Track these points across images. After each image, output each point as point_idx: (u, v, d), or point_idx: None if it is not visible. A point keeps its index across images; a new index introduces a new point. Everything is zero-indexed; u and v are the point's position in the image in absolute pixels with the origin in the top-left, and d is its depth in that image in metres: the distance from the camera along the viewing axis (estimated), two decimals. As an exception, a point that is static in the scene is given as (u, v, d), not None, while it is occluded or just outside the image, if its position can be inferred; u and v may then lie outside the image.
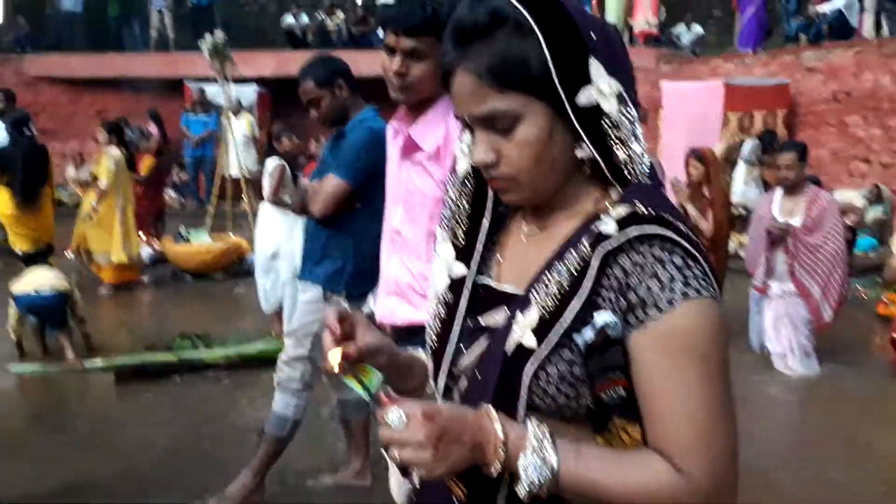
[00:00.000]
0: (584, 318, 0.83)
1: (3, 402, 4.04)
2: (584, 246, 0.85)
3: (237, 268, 7.31)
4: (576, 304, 0.83)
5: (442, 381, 0.98)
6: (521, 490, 0.81)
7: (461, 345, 0.96)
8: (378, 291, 2.10)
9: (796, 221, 4.49)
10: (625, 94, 0.87)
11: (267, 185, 5.00)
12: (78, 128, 13.27)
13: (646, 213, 0.83)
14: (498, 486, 0.86)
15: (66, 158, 11.25)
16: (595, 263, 0.83)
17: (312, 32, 13.66)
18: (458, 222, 1.00)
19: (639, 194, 0.87)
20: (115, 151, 6.65)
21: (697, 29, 12.66)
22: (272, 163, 5.14)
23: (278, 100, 12.38)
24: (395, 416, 0.80)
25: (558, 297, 0.84)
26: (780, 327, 4.63)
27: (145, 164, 8.42)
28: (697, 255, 0.84)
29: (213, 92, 11.46)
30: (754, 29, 10.88)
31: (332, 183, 2.59)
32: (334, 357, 0.90)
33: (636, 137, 0.88)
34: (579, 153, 0.89)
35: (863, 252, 7.54)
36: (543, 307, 0.85)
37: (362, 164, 2.54)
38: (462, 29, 0.87)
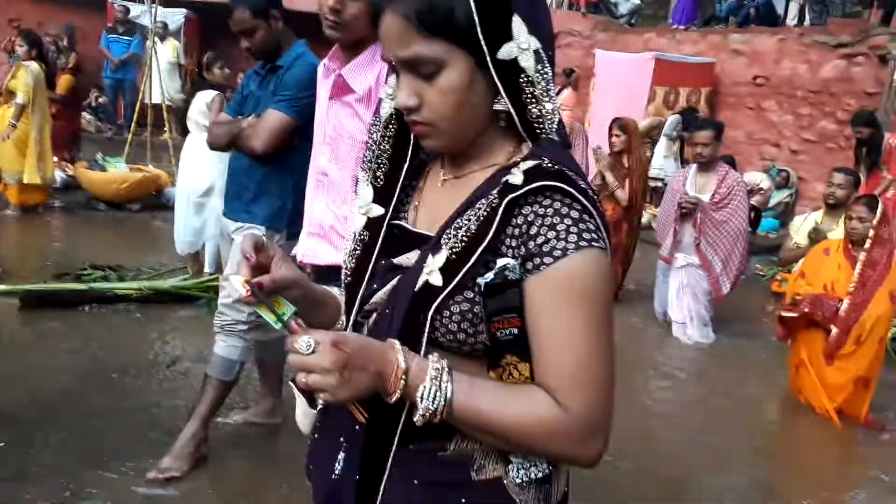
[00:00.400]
0: (487, 262, 0.90)
1: None
2: (493, 195, 0.92)
3: (154, 200, 7.09)
4: (481, 249, 0.91)
5: (353, 317, 1.05)
6: (418, 416, 0.89)
7: (374, 283, 1.02)
8: (302, 231, 2.12)
9: (706, 197, 4.74)
10: (542, 53, 0.93)
11: (205, 118, 4.72)
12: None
13: (550, 167, 0.91)
14: (399, 414, 0.94)
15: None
16: (500, 211, 0.90)
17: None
18: (379, 164, 1.05)
19: (546, 150, 0.94)
20: (34, 66, 6.28)
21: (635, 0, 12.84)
22: (210, 94, 4.88)
23: (207, 26, 11.85)
24: (304, 342, 0.85)
25: (466, 241, 0.91)
26: (682, 297, 4.92)
27: (63, 82, 7.97)
28: (593, 210, 0.92)
29: (138, 12, 10.90)
30: (688, 5, 11.14)
31: (276, 117, 2.50)
32: (237, 282, 0.93)
33: (549, 96, 0.95)
34: (497, 106, 0.95)
35: (765, 232, 8.02)
36: (452, 249, 0.92)
37: (306, 100, 2.44)
38: None
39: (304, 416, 1.14)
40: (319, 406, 1.06)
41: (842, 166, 5.32)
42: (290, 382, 0.92)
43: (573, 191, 0.91)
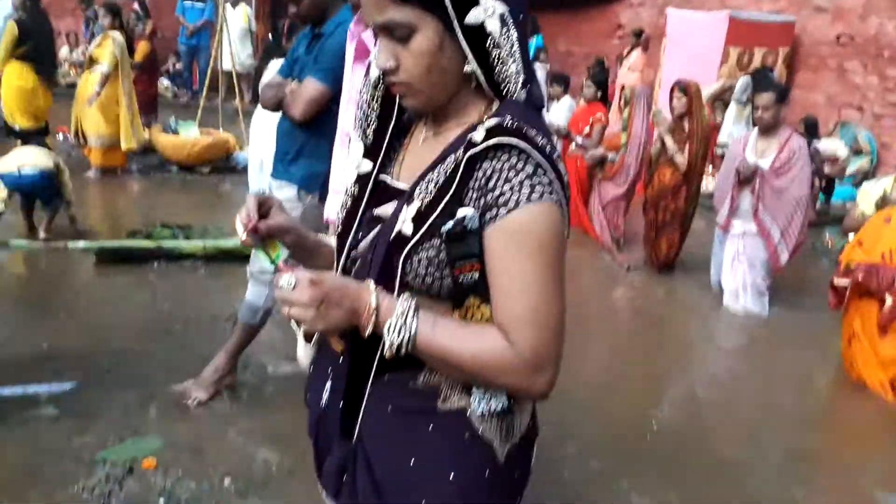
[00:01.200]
0: (451, 212, 0.99)
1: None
2: (459, 151, 1.00)
3: (223, 163, 7.40)
4: (445, 200, 0.99)
5: (342, 262, 1.15)
6: (386, 348, 1.00)
7: (360, 233, 1.13)
8: (329, 189, 2.21)
9: (766, 163, 4.60)
10: (508, 17, 0.99)
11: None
12: (70, 6, 12.94)
13: (510, 125, 0.97)
14: (375, 348, 1.04)
15: (60, 37, 11.09)
16: (461, 166, 0.99)
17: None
18: (368, 124, 1.15)
19: (509, 109, 1.01)
20: (118, 36, 6.60)
21: (714, -45, 12.25)
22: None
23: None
24: (286, 279, 0.97)
25: (434, 193, 1.00)
26: (737, 265, 4.81)
27: (140, 49, 8.34)
28: (548, 165, 0.99)
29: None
30: (769, -39, 10.56)
31: (313, 86, 2.62)
32: (238, 226, 1.08)
33: (514, 57, 1.01)
34: (467, 68, 1.02)
35: (840, 202, 7.66)
36: (422, 201, 1.01)
37: (342, 69, 2.54)
38: None
39: (303, 352, 1.26)
40: (314, 341, 1.17)
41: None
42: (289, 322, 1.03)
43: (529, 147, 0.97)
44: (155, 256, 4.57)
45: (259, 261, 2.92)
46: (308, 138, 2.76)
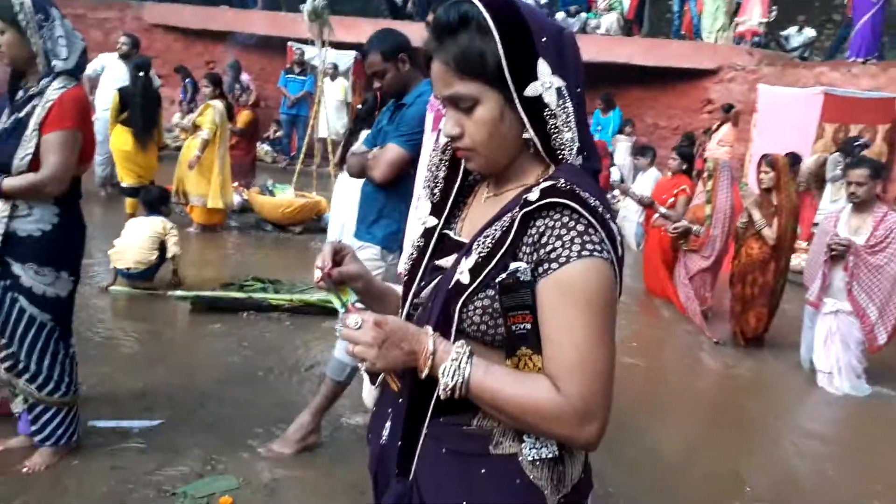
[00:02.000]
0: (505, 265, 1.06)
1: (98, 316, 4.53)
2: (515, 209, 1.07)
3: (315, 224, 7.75)
4: (500, 253, 1.06)
5: (406, 309, 1.23)
6: (440, 390, 1.06)
7: (423, 281, 1.21)
8: (404, 248, 2.32)
9: (861, 240, 4.43)
10: (565, 91, 1.08)
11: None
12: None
13: (563, 187, 1.04)
14: (432, 391, 1.10)
15: (175, 104, 12.05)
16: (517, 222, 1.06)
17: (413, 2, 13.92)
18: (436, 184, 1.25)
19: (564, 172, 1.08)
20: (219, 104, 7.13)
21: (809, 32, 12.13)
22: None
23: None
24: (353, 319, 1.06)
25: (491, 247, 1.08)
26: (830, 345, 4.59)
27: (242, 117, 8.95)
28: (598, 225, 1.04)
29: (312, 54, 11.96)
30: (867, 37, 10.36)
31: (393, 151, 2.80)
32: (316, 272, 1.19)
33: (569, 126, 1.09)
34: (525, 135, 1.11)
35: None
36: (479, 254, 1.08)
37: (420, 136, 2.73)
38: (438, 26, 1.09)
39: (368, 393, 1.34)
40: (377, 385, 1.24)
41: None
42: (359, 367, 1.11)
43: (579, 207, 1.04)
44: (245, 307, 4.81)
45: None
46: (388, 200, 2.92)
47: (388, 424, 1.20)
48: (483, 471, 1.11)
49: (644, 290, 6.48)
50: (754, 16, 11.67)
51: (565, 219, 1.04)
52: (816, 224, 7.59)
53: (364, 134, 5.29)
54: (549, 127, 1.09)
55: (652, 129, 12.79)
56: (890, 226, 4.38)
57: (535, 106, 1.07)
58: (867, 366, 4.58)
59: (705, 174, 5.86)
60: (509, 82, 1.06)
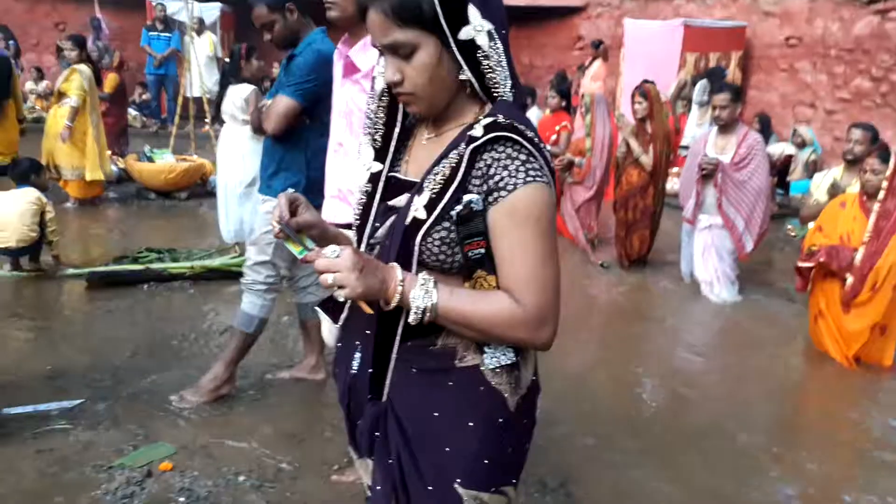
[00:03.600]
0: (458, 198, 1.17)
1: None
2: (461, 146, 1.18)
3: (200, 188, 7.50)
4: (452, 188, 1.17)
5: (362, 249, 1.31)
6: (412, 316, 1.17)
7: (376, 223, 1.30)
8: (326, 194, 2.37)
9: (726, 158, 4.86)
10: (494, 33, 1.18)
11: (245, 114, 4.87)
12: (35, 39, 12.94)
13: (503, 122, 1.16)
14: (398, 319, 1.21)
15: (24, 72, 11.08)
16: (465, 158, 1.17)
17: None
18: (376, 129, 1.33)
19: (501, 108, 1.19)
20: (85, 68, 6.62)
21: (665, -34, 12.70)
22: (245, 88, 4.99)
23: (242, 19, 12.21)
24: (331, 250, 1.12)
25: (442, 183, 1.18)
26: (707, 257, 5.05)
27: (108, 81, 8.40)
28: (537, 153, 1.17)
29: (175, 9, 11.30)
30: (718, -30, 11.00)
31: (283, 102, 2.80)
32: (275, 227, 1.25)
33: (501, 66, 1.20)
34: (462, 76, 1.21)
35: (799, 194, 8.01)
36: (432, 191, 1.19)
37: (311, 84, 2.75)
38: None
39: (329, 332, 1.42)
40: (340, 322, 1.34)
41: (860, 122, 5.35)
42: (316, 307, 1.18)
43: (520, 139, 1.16)
44: (144, 279, 4.66)
45: (251, 273, 3.05)
46: (285, 153, 2.93)
47: (356, 355, 1.30)
48: (450, 382, 1.24)
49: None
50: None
51: (509, 150, 1.16)
52: (684, 147, 8.18)
53: (235, 88, 5.15)
54: (482, 67, 1.19)
55: (528, 70, 13.11)
56: (751, 144, 4.83)
57: (469, 48, 1.17)
58: (739, 273, 5.09)
59: (582, 109, 6.16)
60: (445, 28, 1.15)
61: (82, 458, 2.64)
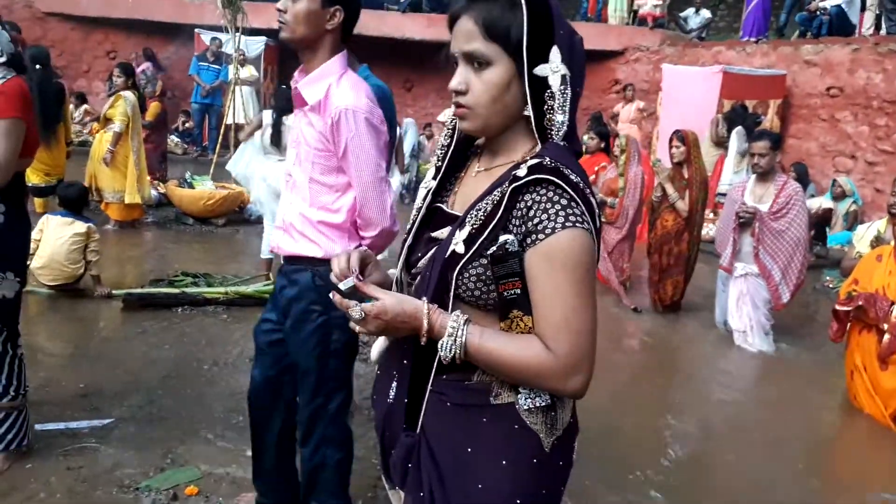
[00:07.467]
0: (496, 237, 1.17)
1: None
2: (505, 184, 1.19)
3: (237, 216, 7.64)
4: (492, 226, 1.18)
5: (404, 278, 1.35)
6: (442, 357, 1.19)
7: (418, 252, 1.32)
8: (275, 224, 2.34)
9: (765, 207, 4.80)
10: (568, 80, 1.20)
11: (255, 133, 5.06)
12: (86, 66, 13.41)
13: (549, 164, 1.16)
14: (435, 354, 1.22)
15: (94, 95, 11.45)
16: (506, 197, 1.18)
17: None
18: (438, 157, 1.37)
19: (550, 151, 1.20)
20: (131, 95, 6.84)
21: (705, 13, 12.78)
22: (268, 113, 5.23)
23: (286, 52, 12.52)
24: (357, 311, 1.17)
25: (482, 220, 1.19)
26: (742, 306, 4.97)
27: (151, 108, 8.66)
28: (579, 199, 1.17)
29: (224, 42, 11.65)
30: (759, 17, 11.04)
31: None
32: (347, 283, 1.21)
33: (563, 111, 1.21)
34: (524, 110, 1.22)
35: (838, 245, 7.88)
36: (472, 226, 1.20)
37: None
38: None
39: (377, 351, 1.43)
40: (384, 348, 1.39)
41: (905, 174, 5.26)
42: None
43: (563, 183, 1.16)
44: (178, 302, 4.73)
45: None
46: None
47: (394, 384, 1.31)
48: (484, 419, 1.23)
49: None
50: (654, -1, 12.21)
51: (550, 193, 1.16)
52: (720, 194, 8.12)
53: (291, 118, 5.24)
54: (546, 107, 1.20)
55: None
56: (790, 193, 4.78)
57: (539, 85, 1.19)
58: (773, 322, 4.99)
59: (617, 150, 6.18)
60: (525, 57, 1.17)
61: (111, 478, 2.66)
